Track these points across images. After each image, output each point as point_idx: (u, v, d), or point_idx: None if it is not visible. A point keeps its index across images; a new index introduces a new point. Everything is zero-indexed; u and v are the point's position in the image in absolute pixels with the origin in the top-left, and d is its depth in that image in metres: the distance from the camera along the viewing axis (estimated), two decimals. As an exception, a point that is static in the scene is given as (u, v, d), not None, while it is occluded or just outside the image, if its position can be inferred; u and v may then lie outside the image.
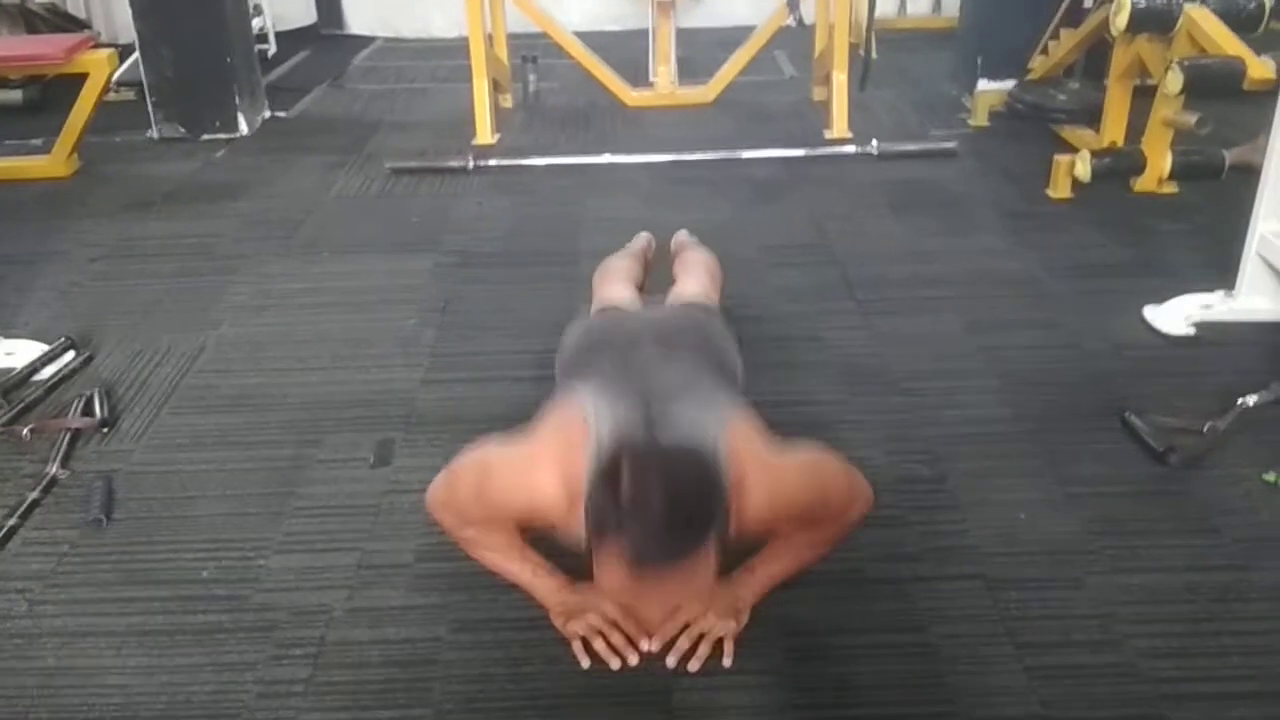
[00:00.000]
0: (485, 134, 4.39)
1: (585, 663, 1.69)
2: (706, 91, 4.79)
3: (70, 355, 2.67)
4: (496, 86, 4.63)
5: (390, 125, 4.73)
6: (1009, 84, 4.42)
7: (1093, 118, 3.94)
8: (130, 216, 3.68)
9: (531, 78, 5.00)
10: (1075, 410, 2.37)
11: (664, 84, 4.82)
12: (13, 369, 2.59)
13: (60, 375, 2.58)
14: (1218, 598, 1.81)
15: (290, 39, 6.04)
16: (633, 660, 1.69)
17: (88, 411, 2.41)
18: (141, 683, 1.69)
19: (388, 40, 6.39)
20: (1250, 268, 2.71)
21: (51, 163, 4.05)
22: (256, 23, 5.36)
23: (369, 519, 2.07)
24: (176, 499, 2.15)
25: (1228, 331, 2.68)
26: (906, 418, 2.35)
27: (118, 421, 2.41)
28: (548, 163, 4.04)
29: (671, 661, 1.69)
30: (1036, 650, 1.71)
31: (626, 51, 5.24)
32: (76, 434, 2.34)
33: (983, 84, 4.47)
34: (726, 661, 1.69)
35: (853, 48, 4.36)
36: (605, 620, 1.73)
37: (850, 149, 4.14)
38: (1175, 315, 2.72)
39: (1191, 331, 2.68)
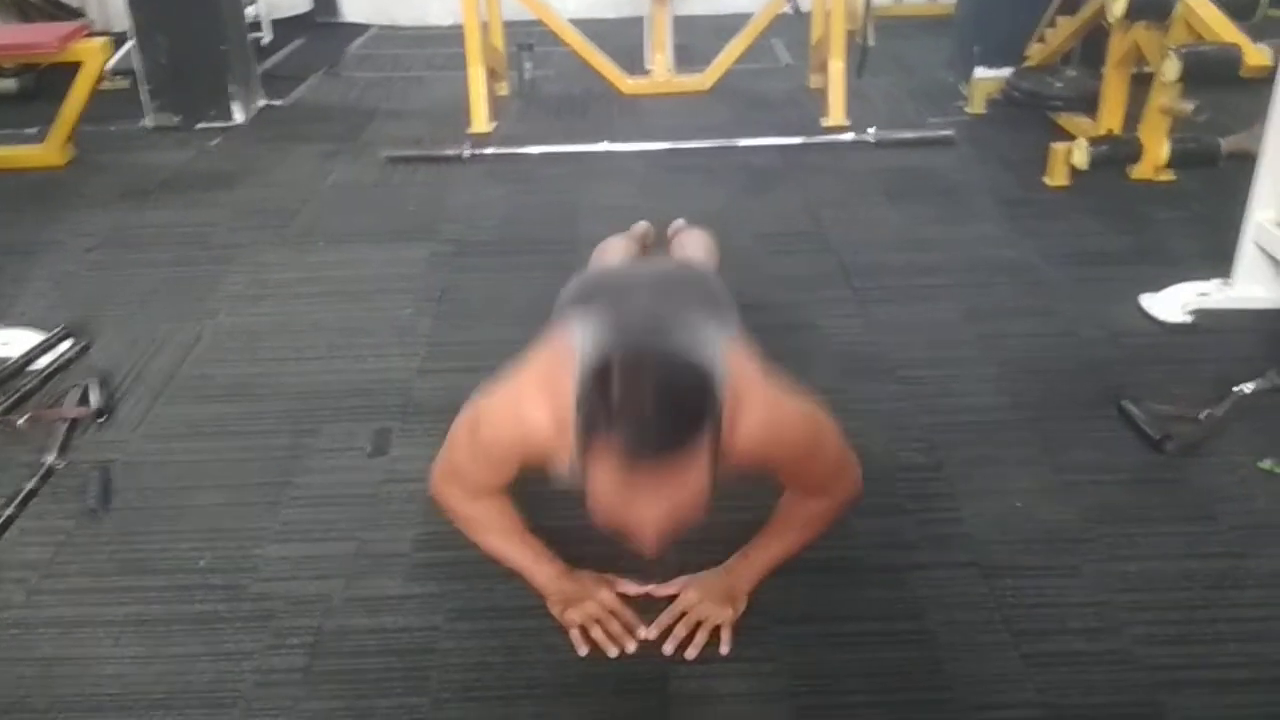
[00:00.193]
0: (481, 122, 4.38)
1: (583, 650, 1.70)
2: (703, 79, 4.78)
3: (66, 345, 2.66)
4: (492, 74, 4.61)
5: (386, 113, 4.72)
6: (1006, 71, 4.41)
7: (1090, 105, 3.93)
8: (125, 205, 3.67)
9: (527, 65, 4.98)
10: (1072, 398, 2.37)
11: (660, 72, 4.81)
12: (8, 359, 2.58)
13: (56, 365, 2.58)
14: (1214, 585, 1.82)
15: (285, 26, 6.01)
16: (630, 648, 1.70)
17: (84, 401, 2.41)
18: (139, 672, 1.69)
19: (383, 28, 6.36)
20: (1247, 256, 2.71)
21: (46, 151, 4.03)
22: (251, 10, 5.33)
23: (366, 508, 2.07)
24: (173, 488, 2.15)
25: (1224, 319, 2.68)
26: (903, 406, 2.36)
27: (114, 411, 2.41)
28: (544, 151, 4.03)
29: (669, 649, 1.69)
30: (1033, 637, 1.71)
31: (623, 39, 5.22)
32: (73, 423, 2.34)
33: (980, 71, 4.46)
34: (724, 649, 1.70)
35: (850, 35, 4.34)
36: (603, 608, 1.74)
37: (847, 137, 4.13)
38: (1172, 303, 2.72)
39: (1188, 319, 2.68)
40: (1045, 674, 1.64)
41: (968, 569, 1.87)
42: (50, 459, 2.21)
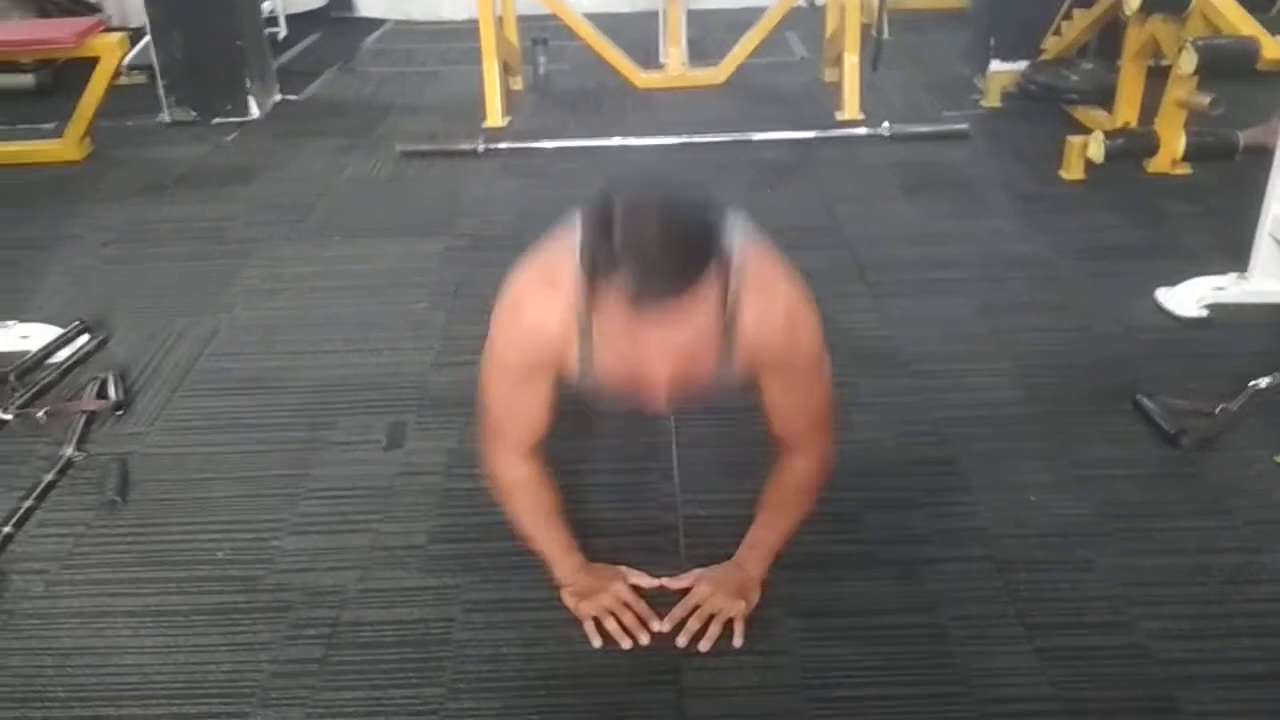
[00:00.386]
0: (496, 117, 4.39)
1: (597, 642, 1.71)
2: (717, 73, 4.78)
3: (84, 339, 2.68)
4: (507, 69, 4.62)
5: (401, 108, 4.73)
6: (1022, 65, 4.39)
7: (1106, 98, 3.91)
8: (142, 200, 3.69)
9: (542, 60, 4.99)
10: (1087, 392, 2.36)
11: (674, 66, 4.81)
12: (28, 352, 2.60)
13: (75, 358, 2.60)
14: (1229, 580, 1.81)
15: (300, 22, 6.03)
16: (644, 640, 1.70)
17: (102, 394, 2.43)
18: (158, 662, 1.71)
19: (398, 23, 6.38)
20: (1263, 250, 2.69)
21: (64, 147, 4.06)
22: (267, 6, 5.34)
23: (382, 500, 2.08)
24: (191, 481, 2.16)
25: (1240, 313, 2.67)
26: (917, 399, 2.36)
27: (132, 404, 2.43)
28: (558, 145, 4.04)
29: (682, 641, 1.70)
30: (1046, 631, 1.71)
31: (637, 33, 5.22)
32: (91, 417, 2.36)
33: (995, 65, 4.45)
34: (737, 641, 1.70)
35: (864, 28, 4.33)
36: (617, 601, 1.75)
37: (862, 130, 4.12)
38: (1188, 297, 2.71)
39: (1204, 313, 2.67)
40: (1059, 668, 1.64)
41: (981, 563, 1.87)
42: (69, 452, 2.23)
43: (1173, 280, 2.77)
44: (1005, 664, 1.66)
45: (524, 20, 4.87)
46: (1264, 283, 2.71)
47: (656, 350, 1.31)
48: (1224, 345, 2.55)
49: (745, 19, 4.97)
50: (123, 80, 4.47)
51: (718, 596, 1.74)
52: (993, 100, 4.42)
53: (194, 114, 4.53)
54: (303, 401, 2.42)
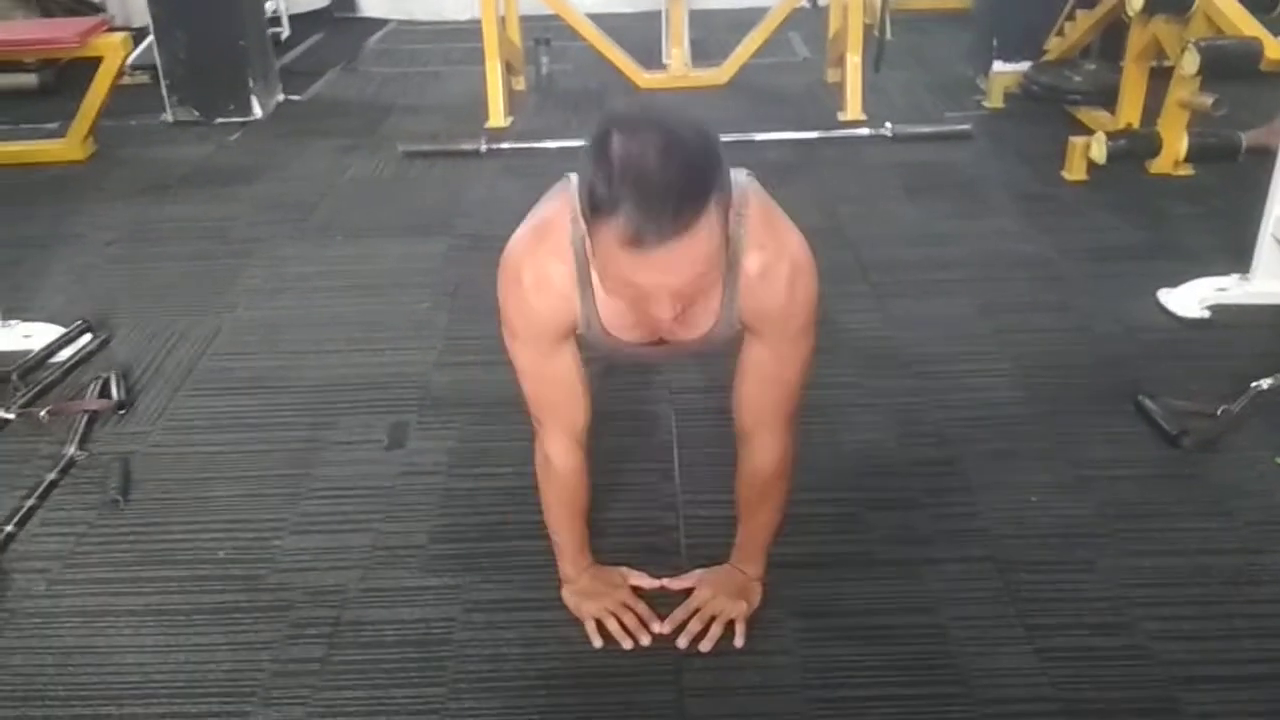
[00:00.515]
0: (498, 117, 4.39)
1: (598, 643, 1.71)
2: (720, 74, 4.78)
3: (87, 338, 2.69)
4: (509, 69, 4.62)
5: (403, 108, 4.73)
6: (1024, 65, 4.39)
7: (1108, 99, 3.91)
8: (145, 200, 3.70)
9: (544, 60, 4.99)
10: (1088, 393, 2.36)
11: (677, 66, 4.81)
12: (30, 351, 2.61)
13: (77, 358, 2.61)
14: (1230, 580, 1.81)
15: (303, 22, 6.04)
16: (645, 641, 1.71)
17: (104, 393, 2.43)
18: (159, 661, 1.71)
19: (401, 23, 6.38)
20: (1265, 251, 2.69)
21: (67, 146, 4.07)
22: (269, 6, 5.35)
23: (383, 500, 2.08)
24: (193, 480, 2.16)
25: (1242, 314, 2.67)
26: (918, 400, 2.36)
27: (134, 403, 2.43)
28: (560, 146, 4.04)
29: (683, 643, 1.70)
30: (1047, 632, 1.71)
31: (639, 34, 5.22)
32: (94, 416, 2.36)
33: (998, 65, 4.45)
34: (738, 642, 1.70)
35: (867, 29, 4.33)
36: (618, 602, 1.75)
37: (864, 131, 4.12)
38: (1190, 298, 2.71)
39: (1206, 314, 2.67)
40: (1060, 669, 1.64)
41: (982, 563, 1.87)
42: (71, 451, 2.23)
43: (1175, 281, 2.77)
44: (1006, 664, 1.66)
45: (526, 20, 4.87)
46: (1266, 284, 2.71)
47: (660, 290, 1.28)
48: (1226, 346, 2.55)
49: (747, 19, 4.97)
50: (126, 80, 4.48)
51: (719, 598, 1.75)
52: (995, 101, 4.42)
53: (197, 114, 4.53)
54: (304, 401, 2.42)
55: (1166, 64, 3.50)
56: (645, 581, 1.81)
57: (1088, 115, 4.04)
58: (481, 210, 3.48)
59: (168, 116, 4.54)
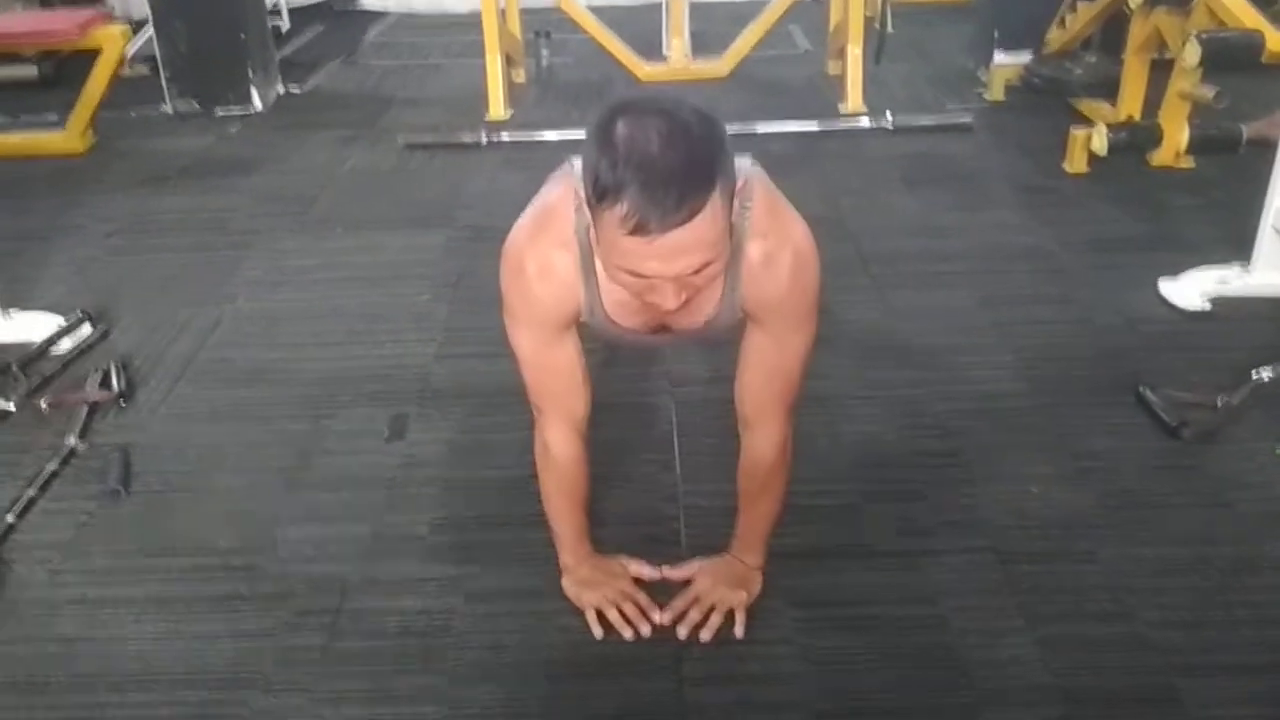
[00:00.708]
0: (498, 109, 4.39)
1: (598, 632, 1.71)
2: (720, 65, 4.77)
3: (87, 329, 2.69)
4: (509, 61, 4.62)
5: (403, 101, 4.73)
6: (1025, 57, 4.38)
7: (1110, 91, 3.90)
8: (145, 191, 3.69)
9: (544, 52, 4.99)
10: (1089, 385, 2.36)
11: (677, 58, 4.80)
12: (30, 343, 2.60)
13: (77, 349, 2.61)
14: (1229, 571, 1.81)
15: (303, 14, 6.03)
16: (645, 631, 1.71)
17: (105, 384, 2.43)
18: (160, 651, 1.71)
19: (401, 15, 6.37)
20: (1266, 242, 2.69)
21: (67, 138, 4.06)
22: (270, -2, 5.35)
23: (383, 491, 2.08)
24: (193, 471, 2.17)
25: (1243, 306, 2.67)
26: (919, 392, 2.35)
27: (135, 394, 2.43)
28: (561, 137, 4.03)
29: (683, 633, 1.70)
30: (1047, 622, 1.71)
31: (640, 25, 5.21)
32: (94, 407, 2.36)
33: (999, 57, 4.44)
34: (738, 631, 1.70)
35: (868, 21, 4.32)
36: (619, 592, 1.76)
37: (865, 123, 4.12)
38: (1190, 290, 2.71)
39: (1206, 306, 2.67)
40: (1060, 658, 1.64)
41: (983, 554, 1.87)
42: (72, 441, 2.23)
43: (1175, 272, 2.76)
44: (1006, 654, 1.66)
45: (527, 13, 4.87)
46: (1267, 275, 2.71)
47: (663, 277, 1.27)
48: (1226, 338, 2.54)
49: (748, 11, 4.96)
50: (125, 72, 4.48)
51: (719, 588, 1.75)
52: (996, 93, 4.42)
53: (197, 106, 4.53)
54: (305, 393, 2.43)
55: (1168, 56, 3.49)
56: (645, 571, 1.81)
57: (1089, 107, 4.03)
58: (481, 202, 3.48)
59: (167, 108, 4.54)
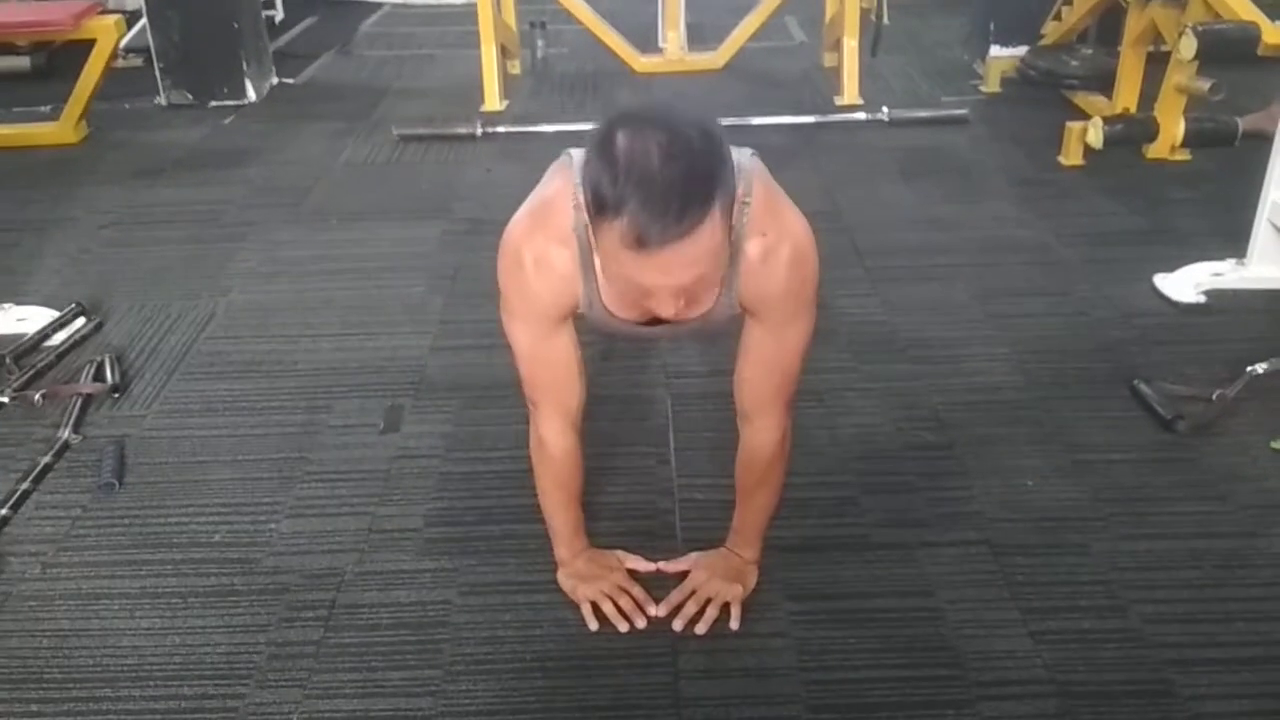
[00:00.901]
0: (493, 100, 4.38)
1: (594, 625, 1.71)
2: (716, 58, 4.77)
3: (81, 321, 2.68)
4: (505, 53, 4.61)
5: (398, 92, 4.72)
6: (1021, 50, 4.39)
7: (1105, 84, 3.90)
8: (139, 183, 3.68)
9: (540, 44, 4.98)
10: (1084, 378, 2.37)
11: (673, 50, 4.79)
12: (24, 335, 2.60)
13: (71, 341, 2.60)
14: (1224, 564, 1.82)
15: (297, 5, 6.01)
16: (640, 623, 1.71)
17: (99, 377, 2.43)
18: (154, 644, 1.71)
19: (395, 6, 6.35)
20: (1262, 236, 2.69)
21: (60, 129, 4.05)
22: (263, -12, 5.32)
23: (379, 484, 2.08)
24: (188, 464, 2.16)
25: (1238, 299, 2.67)
26: (915, 385, 2.36)
27: (128, 387, 2.43)
28: (556, 129, 4.03)
29: (679, 626, 1.70)
30: (1042, 615, 1.72)
31: (635, 17, 5.20)
32: (88, 399, 2.36)
33: (995, 50, 4.44)
34: (733, 624, 1.70)
35: (864, 13, 4.32)
36: (614, 585, 1.76)
37: (861, 116, 4.12)
38: (1186, 283, 2.71)
39: (1202, 299, 2.67)
40: (1054, 652, 1.65)
41: (978, 547, 1.87)
42: (65, 434, 2.22)
43: (1171, 266, 2.77)
44: (1000, 647, 1.66)
45: (522, 3, 4.87)
46: (1262, 268, 2.71)
47: (661, 284, 1.29)
48: (1221, 331, 2.55)
49: (744, 3, 4.96)
50: (119, 63, 4.46)
51: (715, 581, 1.75)
52: (992, 86, 4.42)
53: (190, 97, 4.52)
54: (299, 385, 2.42)
55: (1164, 48, 3.50)
56: (641, 565, 1.81)
57: (1085, 100, 4.03)
58: (477, 194, 3.47)
59: (161, 100, 4.52)
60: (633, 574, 1.79)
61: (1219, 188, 3.33)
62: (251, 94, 4.55)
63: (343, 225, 3.30)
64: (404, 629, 1.73)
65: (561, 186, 1.51)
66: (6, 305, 2.74)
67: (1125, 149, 3.53)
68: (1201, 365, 2.37)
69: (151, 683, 1.64)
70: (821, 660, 1.65)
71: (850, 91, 4.29)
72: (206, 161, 3.91)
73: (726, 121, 4.02)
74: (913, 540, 1.89)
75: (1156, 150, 3.54)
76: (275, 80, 4.80)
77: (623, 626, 1.70)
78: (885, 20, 4.31)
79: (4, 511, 2.00)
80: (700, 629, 1.70)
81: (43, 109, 4.25)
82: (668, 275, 1.27)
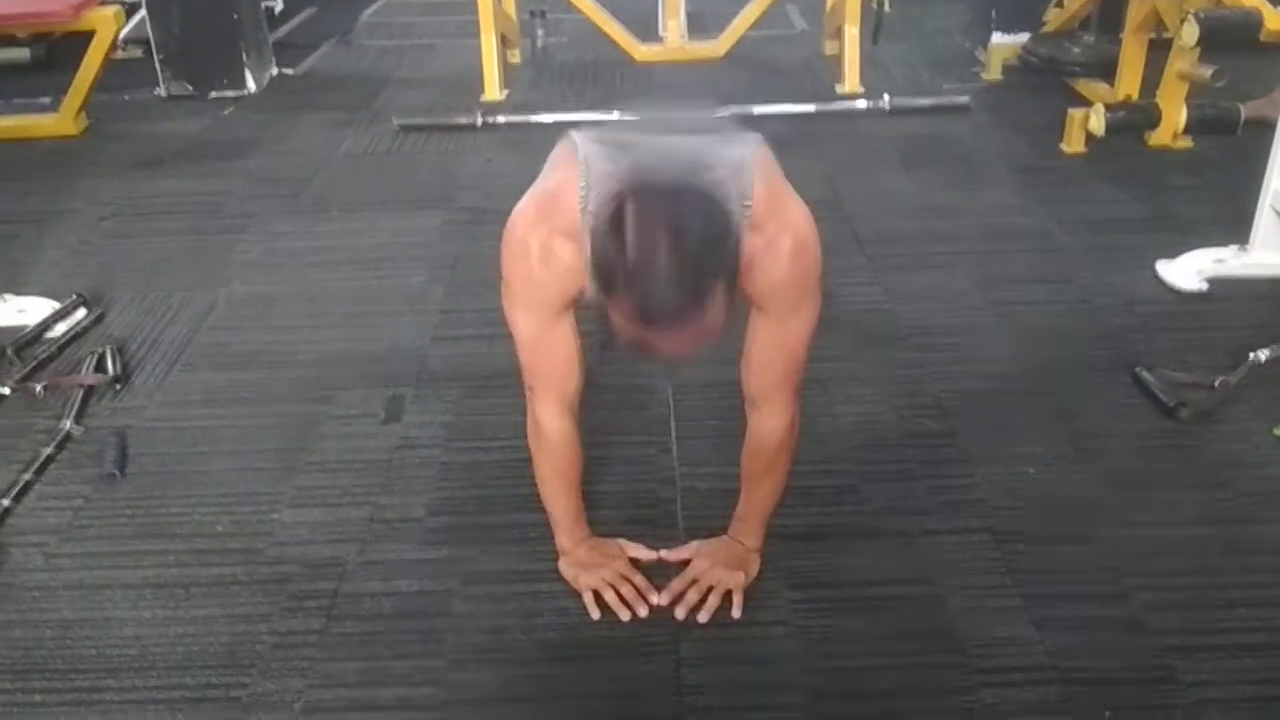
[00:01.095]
0: (493, 90, 4.37)
1: (596, 614, 1.71)
2: (716, 46, 4.75)
3: (82, 313, 2.68)
4: (504, 42, 4.59)
5: (398, 82, 4.70)
6: (1023, 37, 4.37)
7: (1107, 71, 3.89)
8: (140, 174, 3.68)
9: (540, 33, 4.96)
10: (1086, 365, 2.36)
11: (673, 39, 4.78)
12: (25, 326, 2.60)
13: (72, 332, 2.60)
14: (1226, 551, 1.82)
15: (297, -5, 6.00)
16: (642, 612, 1.71)
17: (100, 368, 2.43)
18: (157, 634, 1.71)
19: (395, -4, 6.34)
20: (1264, 222, 2.69)
21: (60, 121, 4.04)
22: (263, -21, 5.31)
23: (380, 474, 2.08)
24: (190, 454, 2.16)
25: (1240, 286, 2.67)
26: (917, 373, 2.35)
27: (130, 378, 2.43)
28: (556, 119, 4.01)
29: (681, 614, 1.71)
30: (1044, 602, 1.72)
31: (636, 6, 5.17)
32: (89, 390, 2.36)
33: (996, 37, 4.42)
34: (735, 612, 1.71)
35: (864, 1, 4.31)
36: (616, 573, 1.76)
37: (862, 104, 4.10)
38: (1188, 270, 2.70)
39: (1204, 286, 2.66)
40: (1056, 638, 1.65)
41: (980, 534, 1.87)
42: (67, 425, 2.22)
43: (1173, 253, 2.76)
44: (1003, 634, 1.66)
45: (522, -7, 4.84)
46: (1264, 255, 2.70)
47: (668, 343, 1.34)
48: (1223, 318, 2.54)
49: (745, -9, 4.94)
50: (119, 54, 4.45)
51: (716, 569, 1.75)
52: (994, 73, 4.40)
53: (190, 88, 4.50)
54: (300, 375, 2.42)
55: (1166, 35, 3.48)
56: (643, 553, 1.81)
57: (1086, 87, 4.02)
58: (477, 184, 3.47)
59: (161, 91, 4.51)
60: (634, 563, 1.80)
61: (1221, 174, 3.32)
62: (251, 85, 4.54)
63: (343, 216, 3.30)
64: (406, 618, 1.73)
65: (566, 178, 1.50)
66: (7, 297, 2.74)
67: (1127, 136, 3.52)
68: (1203, 352, 2.36)
69: (154, 672, 1.64)
70: (823, 648, 1.65)
71: (851, 79, 4.28)
72: (207, 152, 3.90)
73: (727, 111, 4.02)
74: (914, 528, 1.89)
75: (1159, 137, 3.53)
76: (275, 71, 4.79)
77: (624, 615, 1.71)
78: (886, 7, 4.30)
79: (6, 503, 2.00)
80: (702, 617, 1.70)
81: (42, 100, 4.23)
82: (671, 345, 1.33)
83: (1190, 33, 3.17)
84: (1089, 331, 2.50)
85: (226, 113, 4.34)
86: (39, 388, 2.34)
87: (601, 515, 1.88)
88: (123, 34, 4.23)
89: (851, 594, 1.76)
